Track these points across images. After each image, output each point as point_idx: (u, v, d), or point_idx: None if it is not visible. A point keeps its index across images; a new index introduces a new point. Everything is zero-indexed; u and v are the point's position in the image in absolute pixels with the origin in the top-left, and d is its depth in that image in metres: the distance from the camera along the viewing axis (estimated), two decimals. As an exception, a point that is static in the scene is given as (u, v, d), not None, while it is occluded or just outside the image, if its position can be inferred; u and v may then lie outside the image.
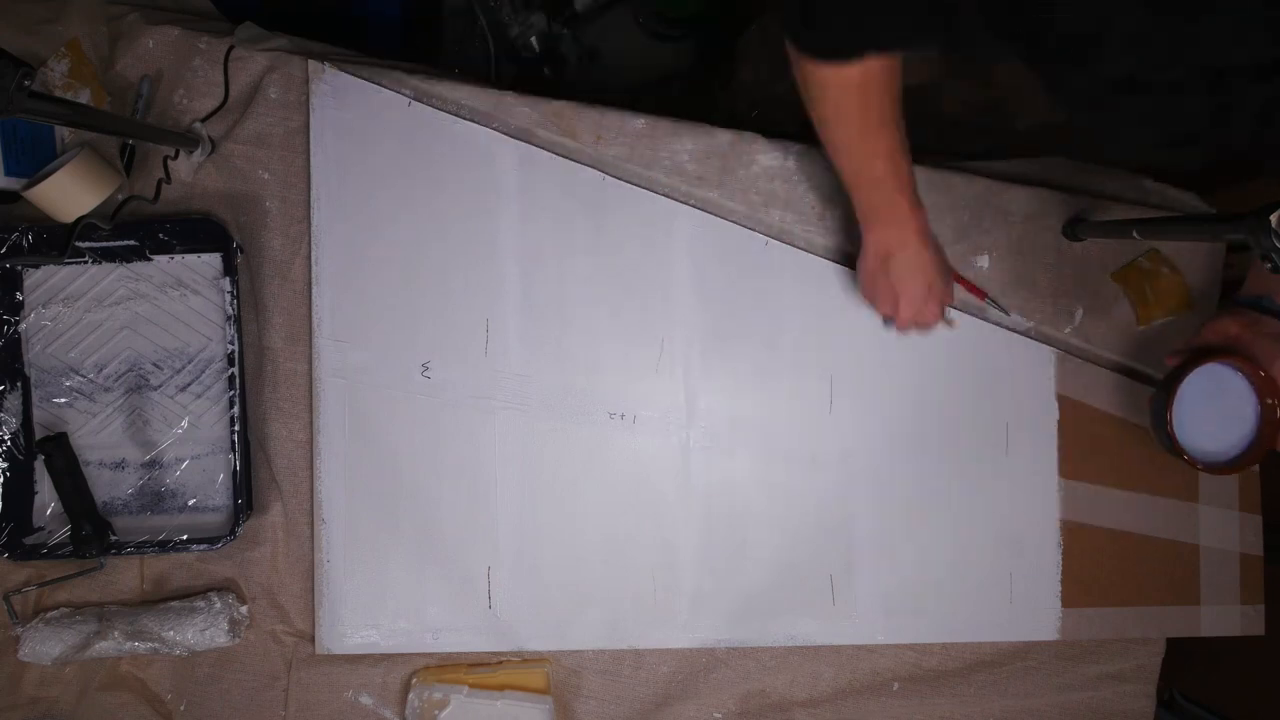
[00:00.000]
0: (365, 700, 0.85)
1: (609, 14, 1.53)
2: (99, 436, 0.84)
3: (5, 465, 0.82)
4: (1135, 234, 0.79)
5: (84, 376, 0.84)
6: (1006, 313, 0.88)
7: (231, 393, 0.81)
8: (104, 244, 0.82)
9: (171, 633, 0.80)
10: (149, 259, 0.84)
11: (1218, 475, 0.79)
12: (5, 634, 0.82)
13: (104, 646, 0.79)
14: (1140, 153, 0.76)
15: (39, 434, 0.84)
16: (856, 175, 0.73)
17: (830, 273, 0.87)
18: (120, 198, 0.82)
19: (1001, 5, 0.50)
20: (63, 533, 0.81)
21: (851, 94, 0.65)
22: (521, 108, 0.85)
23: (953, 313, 0.86)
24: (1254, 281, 0.79)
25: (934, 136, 1.07)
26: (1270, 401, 0.75)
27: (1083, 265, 0.90)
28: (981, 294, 0.88)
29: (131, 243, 0.82)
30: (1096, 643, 0.91)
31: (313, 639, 0.84)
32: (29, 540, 0.82)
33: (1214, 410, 0.77)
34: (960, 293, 0.89)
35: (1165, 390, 0.77)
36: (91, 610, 0.83)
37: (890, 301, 0.79)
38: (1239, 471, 0.79)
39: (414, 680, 0.84)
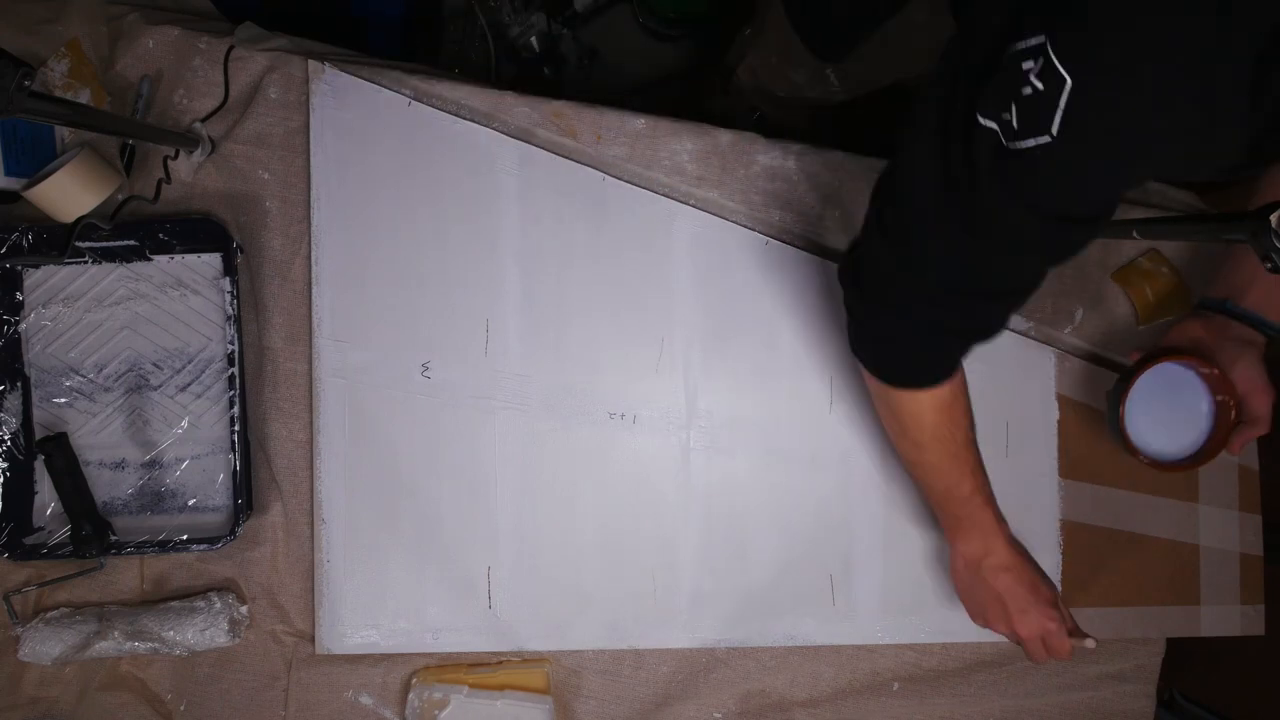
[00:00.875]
0: (365, 700, 0.85)
1: (609, 14, 1.53)
2: (99, 436, 0.84)
3: (5, 465, 0.82)
4: (1135, 234, 0.79)
5: (84, 376, 0.84)
6: None
7: (231, 393, 0.81)
8: (104, 244, 0.82)
9: (171, 633, 0.80)
10: (149, 259, 0.84)
11: (1169, 473, 0.79)
12: (5, 634, 0.82)
13: (104, 646, 0.79)
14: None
15: (39, 434, 0.84)
16: (946, 494, 0.73)
17: (830, 272, 0.87)
18: (120, 198, 0.82)
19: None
20: (63, 533, 0.81)
21: (941, 415, 0.66)
22: (521, 108, 0.85)
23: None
24: (1220, 284, 0.79)
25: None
26: (1224, 400, 0.76)
27: (1083, 265, 0.90)
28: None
29: (131, 243, 0.82)
30: (1097, 643, 0.91)
31: (313, 639, 0.84)
32: (29, 540, 0.82)
33: (1168, 409, 0.77)
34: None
35: (1120, 387, 0.77)
36: (91, 610, 0.83)
37: (999, 610, 0.74)
38: (1191, 469, 0.80)
39: (414, 680, 0.84)
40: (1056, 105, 0.44)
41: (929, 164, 0.53)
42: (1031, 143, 0.46)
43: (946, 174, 0.52)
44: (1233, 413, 0.76)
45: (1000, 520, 0.74)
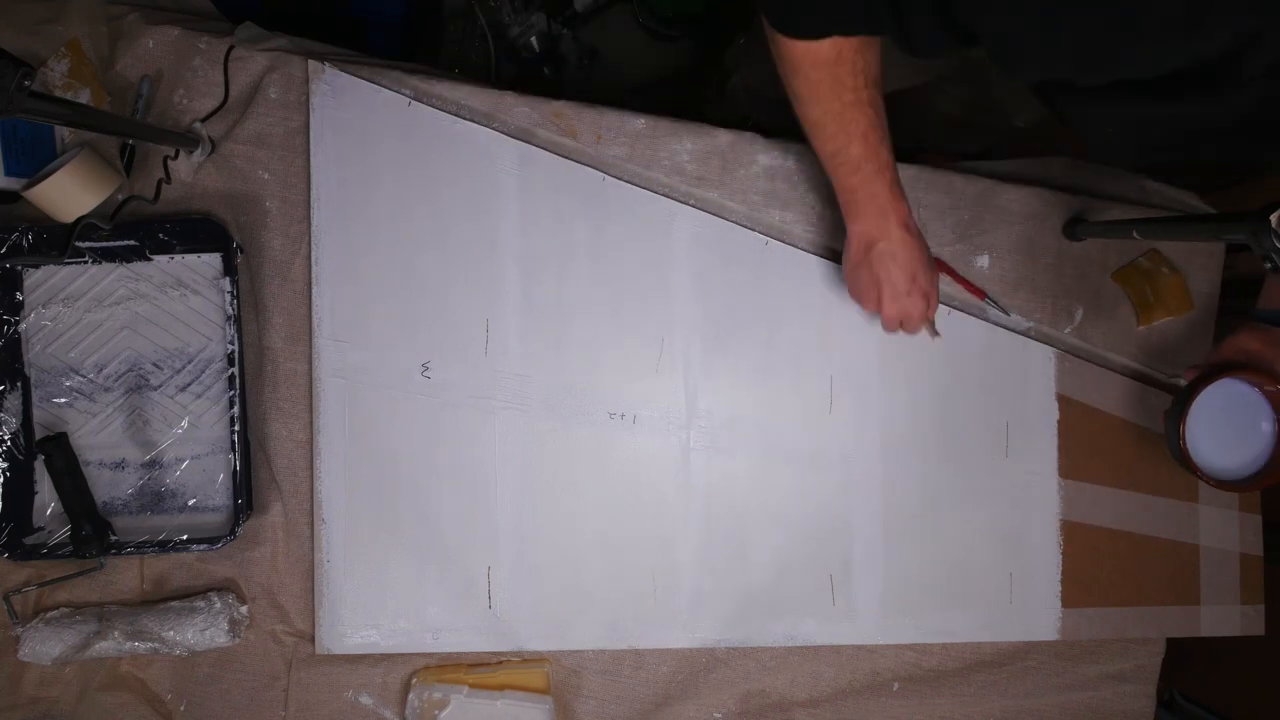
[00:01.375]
0: (365, 700, 0.85)
1: (609, 14, 1.53)
2: (99, 436, 0.84)
3: (5, 465, 0.82)
4: (1135, 234, 0.79)
5: (84, 376, 0.84)
6: (1007, 313, 0.88)
7: (231, 393, 0.81)
8: (104, 244, 0.82)
9: (171, 633, 0.80)
10: (149, 259, 0.84)
11: (1231, 491, 0.77)
12: (5, 634, 0.82)
13: (104, 646, 0.79)
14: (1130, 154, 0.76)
15: (39, 434, 0.84)
16: (834, 158, 0.72)
17: (830, 273, 0.87)
18: (120, 198, 0.82)
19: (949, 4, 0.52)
20: (63, 533, 0.81)
21: (822, 70, 0.65)
22: (521, 108, 0.85)
23: (940, 322, 0.85)
24: (1271, 295, 0.77)
25: (934, 136, 1.08)
26: None
27: (1083, 265, 0.90)
28: (981, 294, 0.88)
29: (131, 243, 0.82)
30: (1096, 643, 0.91)
31: (313, 639, 0.84)
32: (29, 540, 0.82)
33: (1230, 427, 0.75)
34: (960, 292, 0.89)
35: (1180, 406, 0.76)
36: (91, 610, 0.83)
37: (873, 295, 0.78)
38: (1256, 489, 0.78)
39: (414, 680, 0.84)
40: None
41: None
42: None
43: None
44: None
45: (897, 197, 0.73)
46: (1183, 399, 0.76)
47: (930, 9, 0.54)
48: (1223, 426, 0.75)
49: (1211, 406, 0.75)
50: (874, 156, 0.70)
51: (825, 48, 0.64)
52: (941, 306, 0.87)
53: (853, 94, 0.67)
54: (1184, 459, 0.76)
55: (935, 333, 0.83)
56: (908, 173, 0.85)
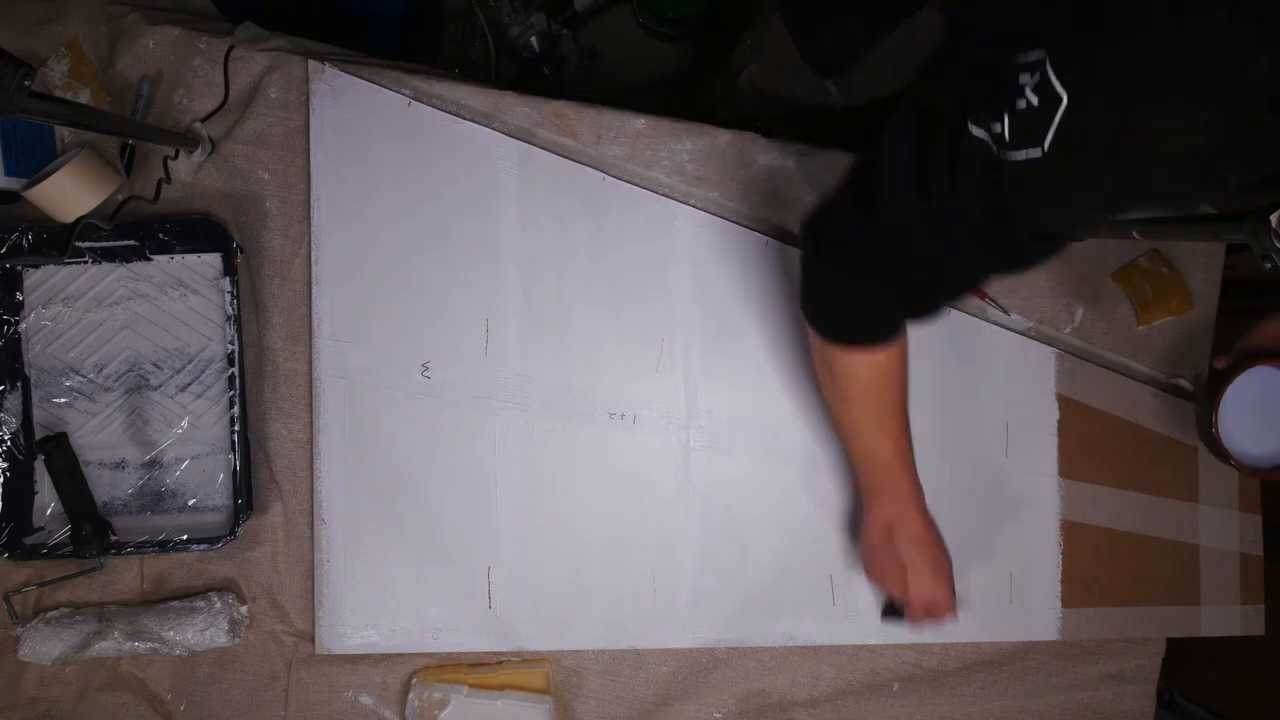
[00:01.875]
0: (365, 700, 0.85)
1: (609, 13, 1.53)
2: (99, 436, 0.84)
3: (5, 465, 0.82)
4: (1135, 234, 0.79)
5: (84, 376, 0.84)
6: (1007, 313, 0.88)
7: (231, 393, 0.81)
8: (104, 244, 0.82)
9: (171, 633, 0.80)
10: (149, 259, 0.84)
11: (1268, 480, 0.77)
12: (5, 634, 0.82)
13: (104, 646, 0.79)
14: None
15: (39, 434, 0.84)
16: (866, 455, 0.75)
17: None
18: (120, 198, 0.82)
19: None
20: (63, 533, 0.81)
21: (877, 376, 0.68)
22: (521, 108, 0.85)
23: (940, 325, 0.82)
24: None
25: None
26: None
27: (1083, 265, 0.90)
28: (982, 294, 0.88)
29: (131, 243, 0.82)
30: (1096, 643, 0.91)
31: (313, 639, 0.84)
32: (29, 540, 0.82)
33: (1262, 414, 0.75)
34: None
35: (1211, 393, 0.75)
36: (91, 610, 0.83)
37: (897, 576, 0.77)
38: None
39: (414, 680, 0.84)
40: (1050, 122, 0.44)
41: (911, 160, 0.54)
42: (1022, 155, 0.46)
43: (929, 173, 0.52)
44: None
45: (917, 490, 0.76)
46: (1215, 385, 0.75)
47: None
48: (1255, 413, 0.75)
49: (1244, 393, 0.74)
50: (902, 455, 0.74)
51: (880, 355, 0.66)
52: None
53: (894, 398, 0.70)
54: (1216, 446, 0.75)
55: (956, 612, 0.80)
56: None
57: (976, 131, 0.48)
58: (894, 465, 0.74)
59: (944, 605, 0.77)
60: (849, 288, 0.63)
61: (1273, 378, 0.74)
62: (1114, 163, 0.45)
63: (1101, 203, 0.49)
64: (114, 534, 0.81)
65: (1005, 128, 0.46)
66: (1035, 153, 0.45)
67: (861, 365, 0.67)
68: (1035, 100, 0.44)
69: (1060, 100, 0.43)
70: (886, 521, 0.77)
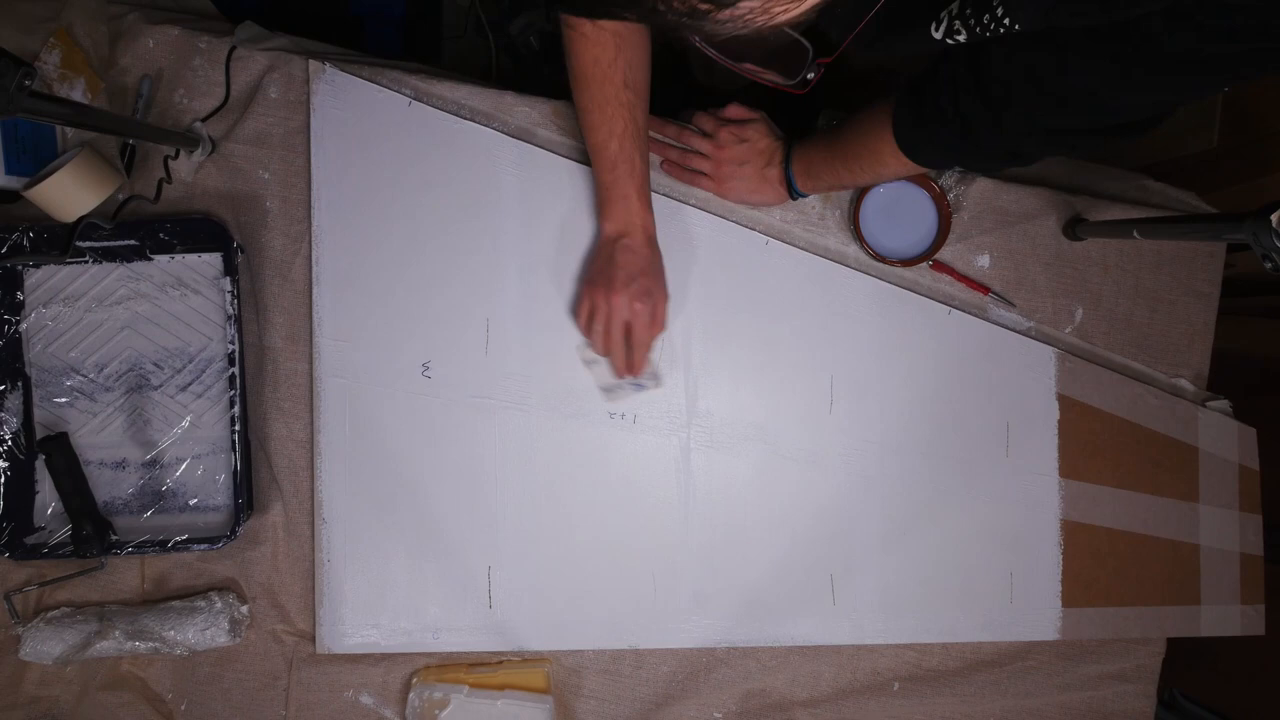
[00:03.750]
0: (365, 700, 0.85)
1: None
2: (100, 436, 0.85)
3: (6, 465, 0.82)
4: (1135, 234, 0.80)
5: (85, 376, 0.84)
6: (1013, 304, 0.89)
7: (232, 392, 0.81)
8: (105, 243, 0.82)
9: (172, 632, 0.80)
10: (149, 259, 0.84)
11: (906, 266, 0.86)
12: (6, 633, 0.82)
13: (105, 646, 0.79)
14: None
15: (40, 433, 0.84)
16: (596, 151, 0.75)
17: (830, 273, 0.87)
18: (121, 197, 0.82)
19: None
20: (63, 532, 0.81)
21: (593, 55, 0.68)
22: (521, 107, 0.85)
23: (940, 322, 0.87)
24: None
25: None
26: (945, 208, 0.86)
27: (1083, 265, 0.90)
28: (985, 289, 0.88)
29: (132, 242, 0.82)
30: (1096, 643, 0.91)
31: (313, 638, 0.84)
32: (30, 540, 0.82)
33: (894, 216, 0.87)
34: (961, 291, 0.89)
35: (854, 200, 0.87)
36: (92, 610, 0.83)
37: (603, 292, 0.77)
38: (924, 261, 0.86)
39: (414, 680, 0.84)
40: None
41: None
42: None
43: None
44: (950, 221, 0.86)
45: (645, 207, 0.76)
46: (854, 196, 0.87)
47: None
48: (889, 217, 0.87)
49: (877, 201, 0.87)
50: (629, 159, 0.74)
51: (605, 36, 0.67)
52: (942, 306, 0.87)
53: (616, 89, 0.70)
54: (863, 247, 0.86)
55: (652, 381, 0.83)
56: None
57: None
58: (619, 168, 0.74)
59: (637, 321, 0.77)
60: None
61: (899, 188, 0.86)
62: None
63: None
64: (115, 534, 0.81)
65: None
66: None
67: (583, 42, 0.68)
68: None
69: None
70: (609, 236, 0.78)
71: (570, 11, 0.67)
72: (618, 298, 0.77)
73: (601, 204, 0.78)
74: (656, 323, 0.79)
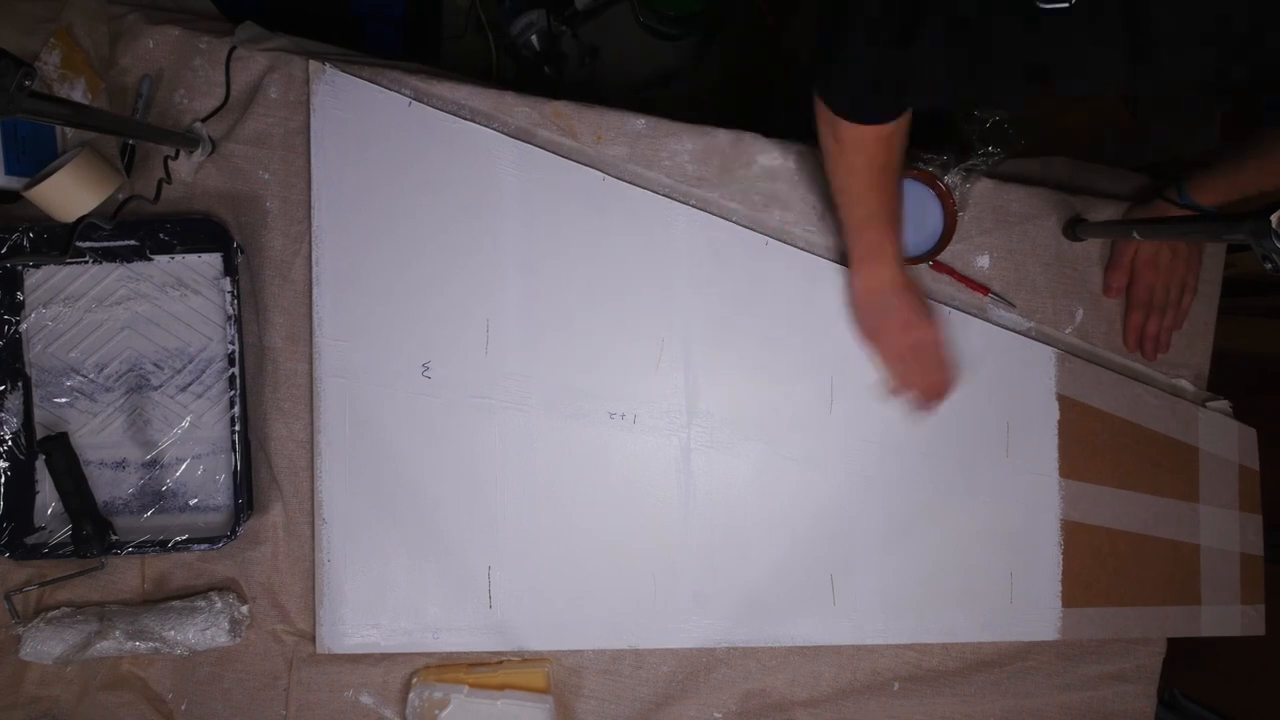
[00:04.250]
0: (366, 700, 0.85)
1: (610, 12, 1.53)
2: (100, 436, 0.85)
3: (6, 465, 0.82)
4: (1135, 234, 0.79)
5: (85, 376, 0.85)
6: (1013, 305, 0.89)
7: (232, 393, 0.81)
8: (104, 244, 0.82)
9: (172, 632, 0.80)
10: (149, 259, 0.84)
11: (914, 265, 0.87)
12: (7, 633, 0.82)
13: (105, 646, 0.80)
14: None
15: (40, 433, 0.84)
16: (866, 219, 0.79)
17: (830, 273, 0.87)
18: (121, 197, 0.82)
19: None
20: (64, 532, 0.81)
21: (884, 144, 0.72)
22: (521, 108, 0.85)
23: (941, 321, 0.87)
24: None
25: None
26: (950, 206, 0.86)
27: (1083, 265, 0.90)
28: (985, 290, 0.88)
29: (132, 243, 0.82)
30: (1096, 643, 0.91)
31: (313, 638, 0.84)
32: (30, 540, 0.82)
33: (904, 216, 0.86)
34: (961, 292, 0.89)
35: None
36: (92, 610, 0.83)
37: (889, 323, 0.82)
38: (931, 259, 0.87)
39: (414, 680, 0.85)
40: None
41: None
42: (1050, 6, 0.48)
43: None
44: (956, 219, 0.86)
45: (899, 256, 0.81)
46: None
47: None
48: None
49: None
50: (896, 220, 0.79)
51: (889, 128, 0.70)
52: (942, 306, 0.87)
53: (894, 165, 0.75)
54: None
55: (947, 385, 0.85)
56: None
57: None
58: (888, 229, 0.79)
59: (932, 343, 0.82)
60: (870, 64, 0.64)
61: (904, 186, 0.85)
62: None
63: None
64: (115, 534, 0.81)
65: None
66: (1063, 4, 0.48)
67: (871, 137, 0.71)
68: None
69: None
70: (876, 281, 0.82)
71: (866, 121, 0.69)
72: (903, 337, 0.83)
73: (862, 257, 0.82)
74: (938, 339, 0.83)
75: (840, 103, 0.69)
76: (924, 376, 0.84)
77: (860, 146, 0.72)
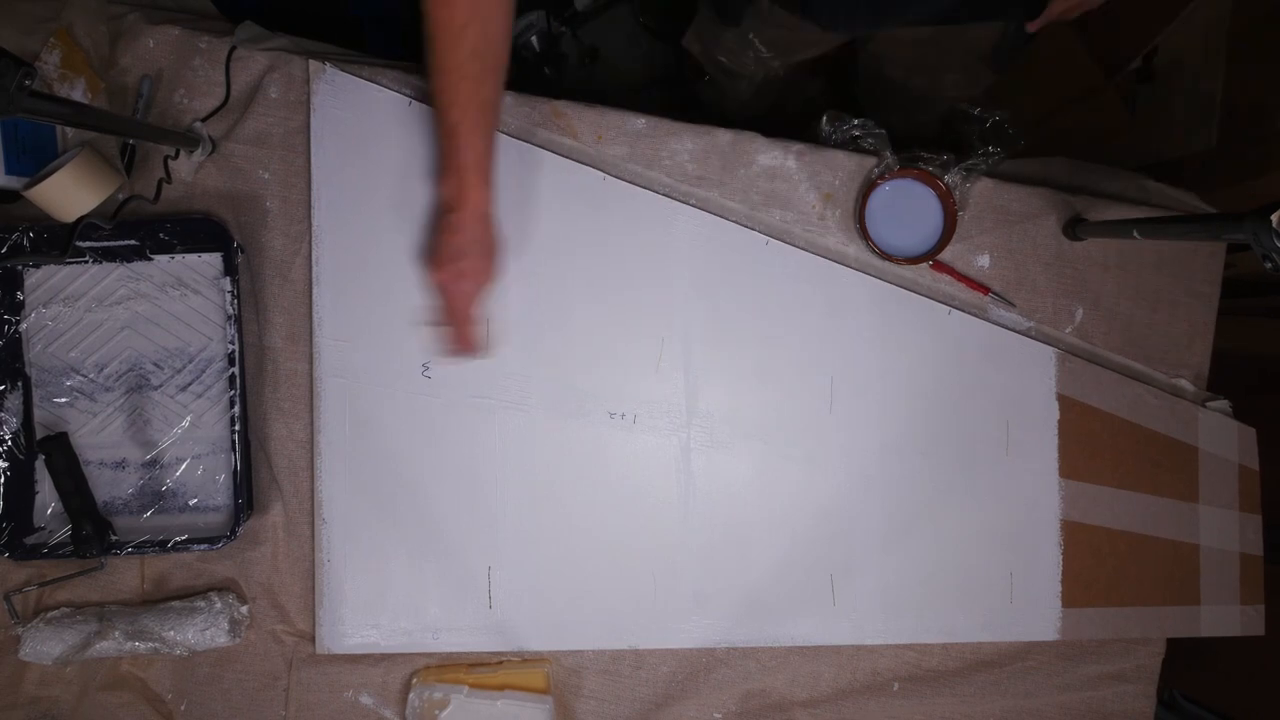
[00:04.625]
0: (365, 700, 0.85)
1: (610, 12, 1.53)
2: (100, 436, 0.85)
3: (6, 465, 0.82)
4: (1135, 234, 0.79)
5: (85, 376, 0.85)
6: (1013, 305, 0.89)
7: (232, 392, 0.81)
8: (105, 243, 0.82)
9: (172, 633, 0.80)
10: (149, 259, 0.84)
11: (914, 264, 0.87)
12: (6, 633, 0.82)
13: (105, 646, 0.79)
14: None
15: (40, 433, 0.84)
16: (436, 116, 0.72)
17: (830, 272, 0.87)
18: (121, 197, 0.82)
19: None
20: (63, 532, 0.81)
21: (446, 15, 0.67)
22: (521, 108, 0.85)
23: (935, 321, 0.87)
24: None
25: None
26: (950, 206, 0.86)
27: (1083, 265, 0.90)
28: (985, 289, 0.88)
29: (132, 242, 0.82)
30: (1096, 643, 0.91)
31: (313, 639, 0.84)
32: (30, 540, 0.82)
33: (898, 214, 0.87)
34: (961, 291, 0.89)
35: (860, 198, 0.87)
36: (92, 610, 0.83)
37: (430, 268, 0.75)
38: (931, 258, 0.86)
39: (414, 680, 0.84)
40: None
41: None
42: None
43: None
44: (956, 219, 0.86)
45: (483, 182, 0.72)
46: (859, 194, 0.87)
47: None
48: (893, 214, 0.87)
49: (883, 199, 0.86)
50: (467, 131, 0.71)
51: (459, 11, 0.65)
52: (942, 306, 0.87)
53: (461, 59, 0.68)
54: (869, 245, 0.86)
55: (480, 349, 0.79)
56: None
57: None
58: (457, 133, 0.71)
59: (465, 285, 0.74)
60: None
61: (904, 185, 0.86)
62: None
63: None
64: (114, 534, 0.81)
65: None
66: None
67: (434, 6, 0.67)
68: None
69: None
70: (441, 202, 0.74)
71: None
72: (438, 275, 0.74)
73: (437, 170, 0.75)
74: (470, 301, 0.75)
75: None
76: (454, 321, 0.76)
77: (425, 4, 0.67)
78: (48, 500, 0.84)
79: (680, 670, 0.87)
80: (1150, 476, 0.91)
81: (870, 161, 0.87)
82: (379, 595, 0.84)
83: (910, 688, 0.89)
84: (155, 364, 0.85)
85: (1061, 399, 0.89)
